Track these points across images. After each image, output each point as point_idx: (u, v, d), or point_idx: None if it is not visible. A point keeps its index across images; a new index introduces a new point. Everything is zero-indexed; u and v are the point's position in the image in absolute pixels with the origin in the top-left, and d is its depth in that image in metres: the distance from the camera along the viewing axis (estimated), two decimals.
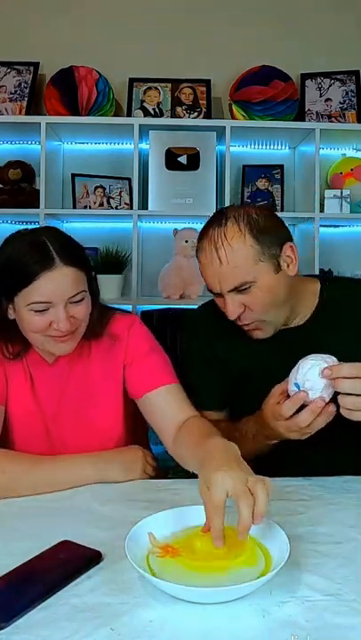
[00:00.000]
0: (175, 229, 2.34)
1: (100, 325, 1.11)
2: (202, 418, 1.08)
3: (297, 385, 0.90)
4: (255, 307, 1.05)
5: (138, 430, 1.23)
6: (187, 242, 2.29)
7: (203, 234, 1.08)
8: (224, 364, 1.18)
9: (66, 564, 0.71)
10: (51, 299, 0.97)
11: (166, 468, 1.32)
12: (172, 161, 2.41)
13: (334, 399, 0.90)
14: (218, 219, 1.06)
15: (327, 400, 0.89)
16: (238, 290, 1.04)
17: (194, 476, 1.00)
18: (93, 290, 1.07)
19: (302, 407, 0.91)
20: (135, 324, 1.17)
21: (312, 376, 0.89)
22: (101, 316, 1.12)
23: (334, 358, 0.91)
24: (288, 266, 1.07)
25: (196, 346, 1.22)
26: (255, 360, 1.14)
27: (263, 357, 1.13)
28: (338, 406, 0.90)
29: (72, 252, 1.01)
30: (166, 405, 1.09)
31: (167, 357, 1.15)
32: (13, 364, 1.10)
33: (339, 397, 0.88)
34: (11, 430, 1.11)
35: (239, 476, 0.73)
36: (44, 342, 1.03)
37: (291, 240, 1.10)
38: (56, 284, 0.97)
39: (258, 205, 1.12)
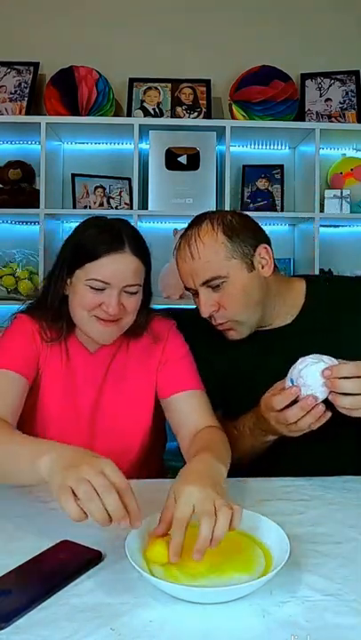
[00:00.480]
0: (175, 229, 2.34)
1: (143, 327, 1.14)
2: (216, 430, 1.06)
3: (292, 381, 0.92)
4: (228, 305, 1.07)
5: (159, 430, 1.23)
6: None
7: (180, 236, 1.13)
8: (219, 364, 1.19)
9: (66, 564, 0.72)
10: (110, 280, 1.01)
11: (166, 468, 1.32)
12: (172, 161, 2.41)
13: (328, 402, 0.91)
14: (195, 222, 1.12)
15: (320, 400, 0.90)
16: (211, 286, 1.07)
17: None
18: (147, 291, 1.11)
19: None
20: (174, 328, 1.19)
21: (306, 374, 0.89)
22: (146, 318, 1.14)
23: (333, 359, 0.91)
24: (263, 267, 1.10)
25: (197, 345, 1.22)
26: (246, 361, 1.15)
27: (252, 357, 1.14)
28: (332, 407, 0.91)
29: (141, 245, 1.07)
30: (190, 409, 1.09)
31: (195, 365, 1.16)
32: (51, 349, 1.11)
33: (338, 397, 0.88)
34: (44, 411, 1.12)
35: (208, 495, 0.71)
36: (88, 323, 1.05)
37: (267, 243, 1.13)
38: (119, 268, 1.01)
39: (235, 211, 1.17)
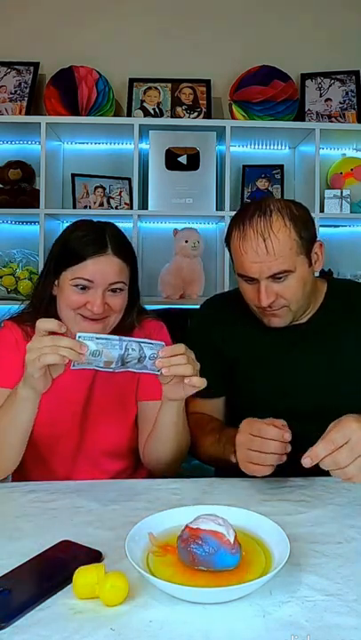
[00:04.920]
0: (175, 229, 2.34)
1: (131, 326, 1.17)
2: None
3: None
4: (288, 295, 1.11)
5: None
6: (187, 242, 2.29)
7: (244, 221, 1.09)
8: (230, 352, 1.23)
9: (66, 563, 0.72)
10: (94, 278, 1.05)
11: None
12: (172, 161, 2.41)
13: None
14: (260, 208, 1.09)
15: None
16: (275, 277, 1.09)
17: (194, 475, 1.00)
18: (134, 289, 1.15)
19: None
20: (163, 329, 1.24)
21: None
22: (135, 318, 1.18)
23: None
24: (315, 262, 1.15)
25: (210, 333, 1.26)
26: (257, 350, 1.20)
27: (264, 348, 1.19)
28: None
29: (124, 247, 1.10)
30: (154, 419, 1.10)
31: None
32: None
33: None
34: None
35: None
36: (74, 322, 1.06)
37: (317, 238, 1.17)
38: (102, 268, 1.05)
39: (294, 201, 1.16)
